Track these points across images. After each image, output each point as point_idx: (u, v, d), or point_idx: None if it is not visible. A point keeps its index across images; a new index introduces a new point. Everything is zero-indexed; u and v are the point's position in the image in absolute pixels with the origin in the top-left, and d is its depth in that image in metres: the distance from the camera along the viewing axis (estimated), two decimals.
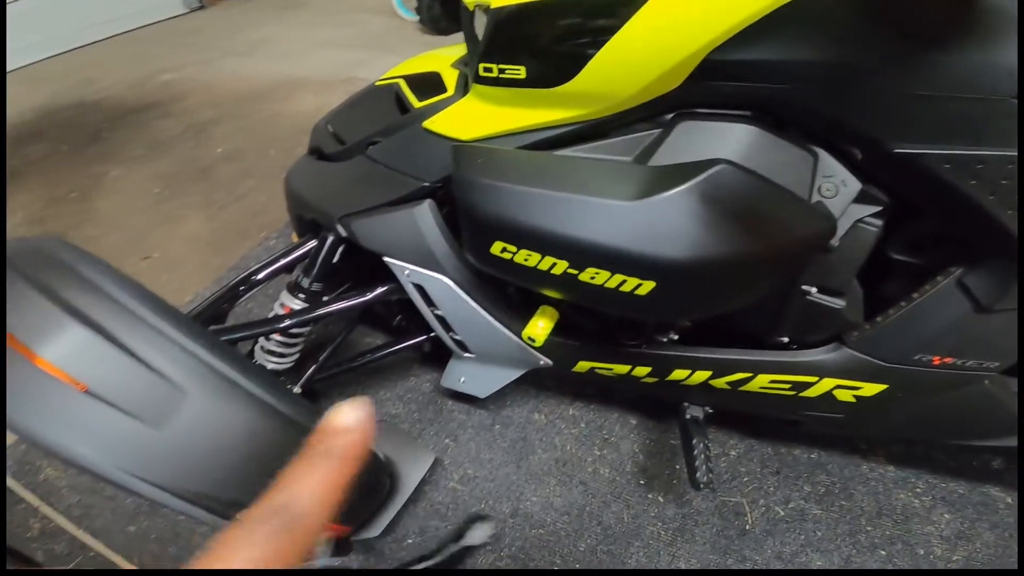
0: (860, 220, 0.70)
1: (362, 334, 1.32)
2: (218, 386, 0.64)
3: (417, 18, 3.06)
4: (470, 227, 0.73)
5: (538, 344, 0.83)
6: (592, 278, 0.66)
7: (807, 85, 0.61)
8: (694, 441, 0.92)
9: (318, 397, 1.22)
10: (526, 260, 0.69)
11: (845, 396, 0.83)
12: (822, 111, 0.63)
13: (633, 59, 0.61)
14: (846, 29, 0.57)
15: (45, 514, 1.09)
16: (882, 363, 0.79)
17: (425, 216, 0.85)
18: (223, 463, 0.62)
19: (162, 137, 2.23)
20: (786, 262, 0.67)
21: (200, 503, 0.61)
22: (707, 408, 0.97)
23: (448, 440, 1.16)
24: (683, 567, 0.97)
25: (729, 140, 0.65)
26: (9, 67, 3.03)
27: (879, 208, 0.69)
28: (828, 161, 0.68)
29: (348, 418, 0.27)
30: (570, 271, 0.67)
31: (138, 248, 1.66)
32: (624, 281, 0.65)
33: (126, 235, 1.73)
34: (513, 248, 0.69)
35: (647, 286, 0.64)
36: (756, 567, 0.96)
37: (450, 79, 0.94)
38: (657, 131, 0.70)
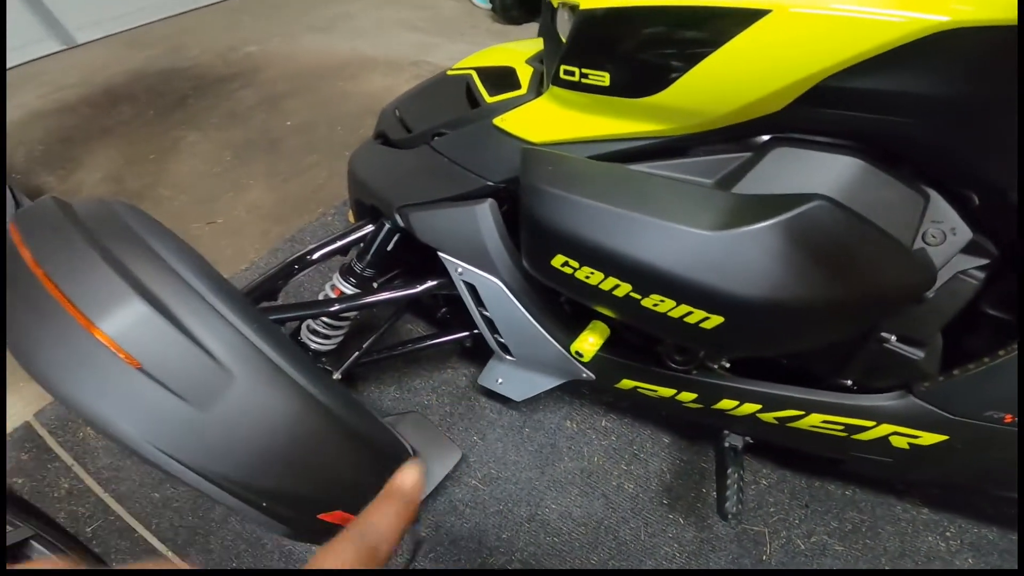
0: (962, 272, 0.61)
1: (405, 321, 1.28)
2: (265, 372, 0.60)
3: (490, 6, 2.97)
4: (532, 236, 0.67)
5: (585, 360, 0.77)
6: (655, 305, 0.60)
7: (933, 119, 0.52)
8: (729, 471, 0.86)
9: (356, 380, 1.19)
10: (587, 278, 0.62)
11: (900, 443, 0.76)
12: (946, 148, 0.54)
13: (735, 77, 0.53)
14: (984, 64, 0.49)
15: (76, 474, 1.08)
16: (949, 416, 0.71)
17: (485, 216, 0.79)
18: (260, 450, 0.58)
19: (239, 107, 2.22)
20: (873, 312, 0.59)
21: (231, 489, 0.57)
22: (747, 438, 0.91)
23: (476, 437, 1.12)
24: None
25: (829, 172, 0.57)
26: (114, 29, 3.07)
27: (986, 261, 0.60)
28: (939, 205, 0.59)
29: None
30: (633, 295, 0.60)
31: (204, 212, 1.65)
32: (690, 313, 0.58)
33: (194, 199, 1.72)
34: (575, 264, 0.62)
35: (714, 320, 0.57)
36: None
37: (524, 76, 0.88)
38: (745, 154, 0.62)
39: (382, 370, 1.20)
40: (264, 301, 0.92)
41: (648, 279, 0.58)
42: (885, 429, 0.75)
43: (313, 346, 0.98)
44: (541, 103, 0.77)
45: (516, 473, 1.07)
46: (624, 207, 0.58)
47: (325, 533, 0.66)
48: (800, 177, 0.58)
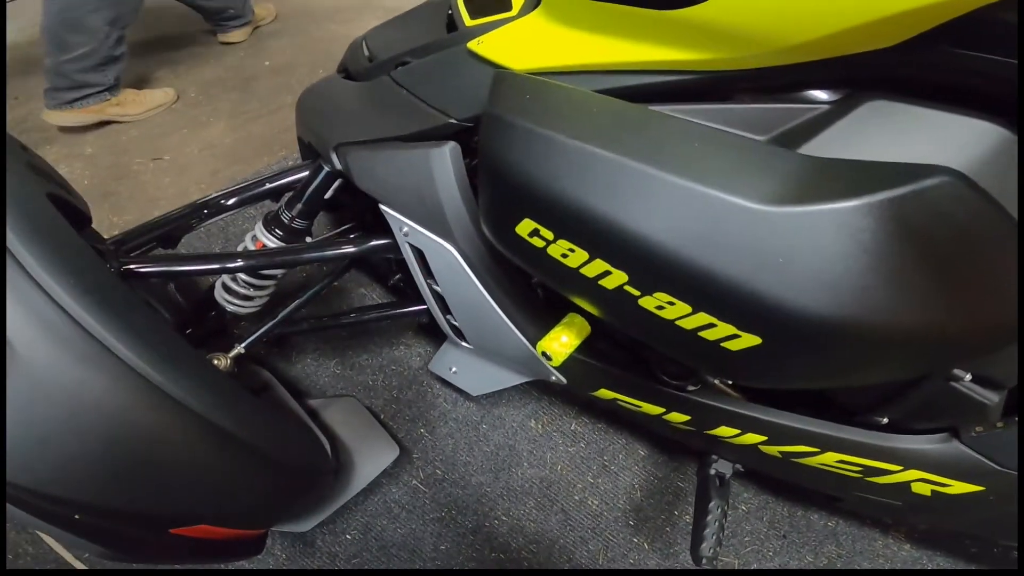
0: None
1: (358, 284, 1.05)
2: (75, 349, 0.39)
3: None
4: (491, 189, 0.44)
5: (554, 363, 0.55)
6: (659, 308, 0.38)
7: None
8: (711, 504, 0.66)
9: (290, 350, 0.97)
10: (564, 257, 0.40)
11: (922, 489, 0.58)
12: None
13: None
14: None
15: None
16: (997, 467, 0.54)
17: (442, 162, 0.56)
18: (65, 449, 0.41)
19: (219, 45, 1.95)
20: (986, 343, 0.38)
21: (17, 498, 0.41)
22: (738, 466, 0.71)
23: (423, 430, 0.91)
24: None
25: (952, 142, 0.34)
26: None
27: None
28: None
29: None
30: (628, 290, 0.38)
31: (152, 148, 1.41)
32: (711, 326, 0.36)
33: (144, 133, 1.47)
34: (548, 235, 0.40)
35: (746, 341, 0.36)
36: None
37: None
38: (818, 107, 0.40)
39: (324, 340, 0.98)
40: (158, 249, 0.69)
41: (656, 269, 0.36)
42: (912, 475, 0.57)
43: (229, 308, 0.75)
44: (531, 20, 0.54)
45: (465, 476, 0.87)
46: (631, 156, 0.36)
47: (182, 550, 0.54)
48: (906, 143, 0.36)
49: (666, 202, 0.34)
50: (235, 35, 1.91)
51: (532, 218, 0.40)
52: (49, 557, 0.77)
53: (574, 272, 0.41)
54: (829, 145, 0.37)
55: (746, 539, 0.85)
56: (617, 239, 0.36)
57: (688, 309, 0.36)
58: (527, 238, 0.42)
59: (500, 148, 0.41)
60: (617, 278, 0.38)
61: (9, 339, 0.38)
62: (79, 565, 0.76)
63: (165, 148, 1.40)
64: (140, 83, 1.75)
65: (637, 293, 0.38)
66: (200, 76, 1.75)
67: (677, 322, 0.38)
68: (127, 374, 0.42)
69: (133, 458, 0.44)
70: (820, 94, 0.41)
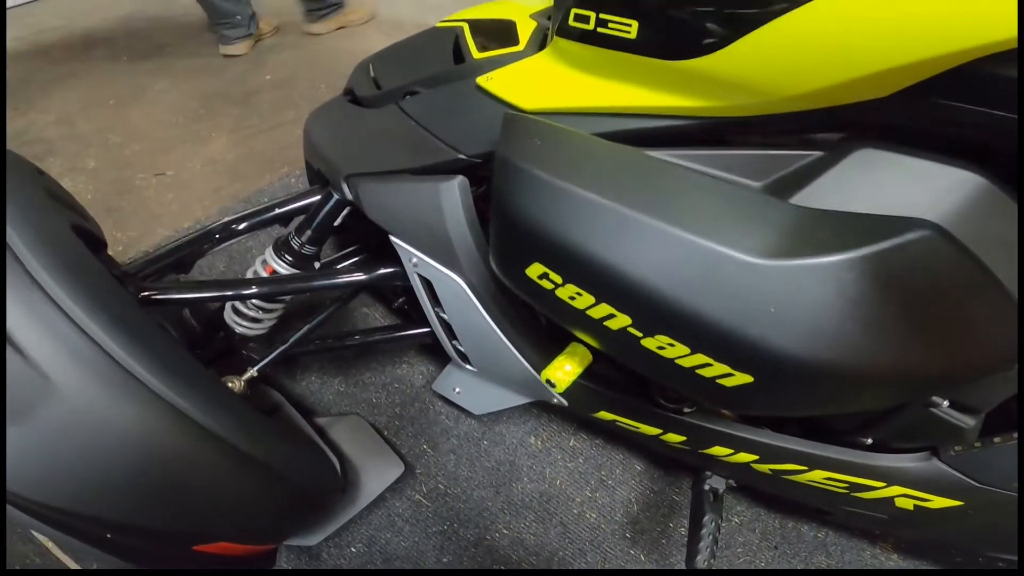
0: None
1: (361, 304, 1.07)
2: (102, 377, 0.41)
3: None
4: (504, 232, 0.46)
5: (558, 390, 0.58)
6: (660, 349, 0.40)
7: None
8: (705, 518, 0.68)
9: (296, 369, 0.98)
10: (572, 299, 0.42)
11: (904, 504, 0.61)
12: None
13: (831, 44, 0.33)
14: None
15: None
16: (975, 483, 0.56)
17: (451, 196, 0.58)
18: (95, 474, 0.43)
19: (220, 58, 1.95)
20: (959, 379, 0.41)
21: (55, 519, 0.43)
22: (731, 481, 0.73)
23: (426, 446, 0.92)
24: None
25: (935, 190, 0.37)
26: None
27: None
28: None
29: None
30: (632, 331, 0.40)
31: (154, 163, 1.41)
32: (707, 365, 0.38)
33: (147, 148, 1.47)
34: (557, 279, 0.42)
35: (739, 379, 0.38)
36: None
37: (525, 31, 0.66)
38: (812, 154, 0.42)
39: (329, 358, 0.99)
40: (171, 274, 0.70)
41: (657, 314, 0.38)
42: (895, 491, 0.59)
43: (239, 329, 0.76)
44: (539, 60, 0.56)
45: (467, 491, 0.89)
46: (636, 208, 0.38)
47: (202, 565, 0.55)
48: (891, 193, 0.38)
49: (666, 252, 0.37)
50: (238, 47, 1.93)
51: (542, 262, 0.43)
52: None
53: (581, 313, 0.43)
54: (820, 192, 0.40)
55: (739, 550, 0.86)
56: (621, 285, 0.39)
57: (686, 350, 0.39)
58: (537, 280, 0.44)
59: (512, 193, 0.43)
60: (621, 321, 0.41)
61: (44, 370, 0.40)
62: (73, 565, 0.77)
63: (167, 163, 1.40)
64: (139, 94, 1.74)
65: (640, 334, 0.40)
66: (201, 88, 1.75)
67: (677, 361, 0.40)
68: (153, 400, 0.44)
69: (160, 480, 0.45)
70: (813, 139, 0.43)
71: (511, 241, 0.45)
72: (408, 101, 0.70)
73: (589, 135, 0.47)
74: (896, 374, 0.36)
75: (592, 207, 0.39)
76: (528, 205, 0.42)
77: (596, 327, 0.43)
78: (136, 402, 0.43)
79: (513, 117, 0.50)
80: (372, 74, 0.81)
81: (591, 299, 0.41)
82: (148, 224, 1.24)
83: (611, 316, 0.41)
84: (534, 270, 0.43)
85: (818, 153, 0.42)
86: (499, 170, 0.45)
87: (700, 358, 0.38)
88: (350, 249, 0.87)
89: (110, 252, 0.73)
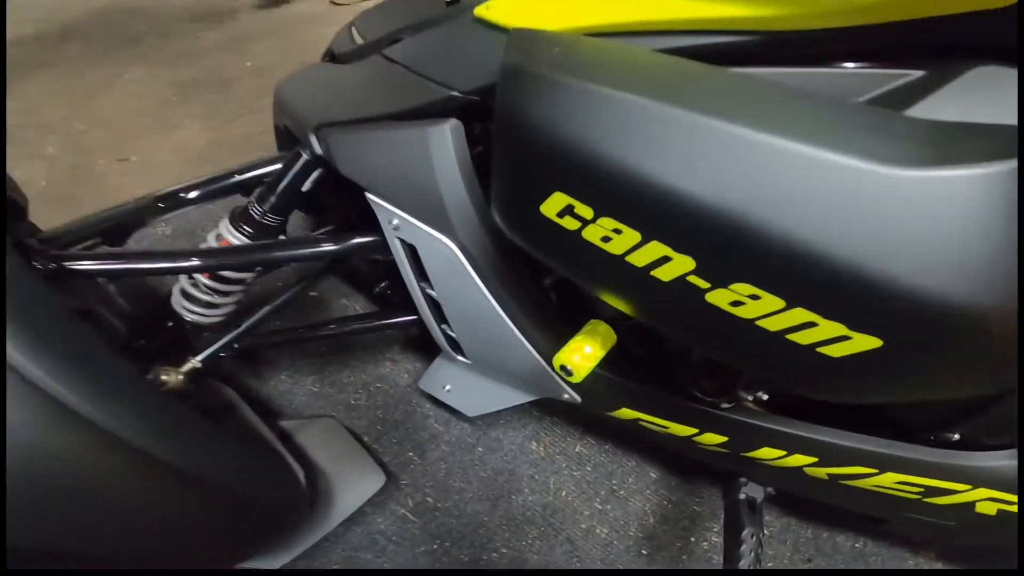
0: None
1: (337, 292, 0.94)
2: None
3: None
4: (511, 158, 0.34)
5: (575, 379, 0.45)
6: (736, 304, 0.28)
7: None
8: (744, 533, 0.56)
9: (260, 365, 0.84)
10: (606, 241, 0.30)
11: (987, 509, 0.50)
12: None
13: None
14: None
15: None
16: None
17: (443, 142, 0.46)
18: None
19: (197, 46, 1.86)
20: None
21: None
22: (770, 489, 0.62)
23: (413, 454, 0.79)
24: None
25: None
26: None
27: None
28: None
29: None
30: (694, 280, 0.29)
31: (119, 149, 1.28)
32: (810, 325, 0.27)
33: (113, 134, 1.34)
34: (587, 211, 0.30)
35: (859, 344, 0.26)
36: None
37: None
38: (916, 73, 0.32)
39: (301, 355, 0.86)
40: (103, 246, 0.57)
41: (736, 252, 0.26)
42: (980, 494, 0.49)
43: (189, 316, 0.63)
44: None
45: (460, 504, 0.76)
46: (702, 111, 0.26)
47: None
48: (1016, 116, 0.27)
49: (756, 165, 0.25)
50: None
51: (565, 191, 0.31)
52: None
53: (617, 260, 0.31)
54: (934, 112, 0.29)
55: (769, 564, 0.75)
56: (684, 214, 0.27)
57: (779, 304, 0.27)
58: (556, 219, 0.32)
59: (524, 104, 0.31)
60: (679, 266, 0.29)
61: None
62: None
63: (133, 149, 1.27)
64: (110, 82, 1.62)
65: (706, 285, 0.28)
66: (176, 76, 1.64)
67: (758, 322, 0.28)
68: (32, 395, 0.32)
69: (51, 494, 0.35)
70: (910, 59, 0.33)
71: (521, 168, 0.33)
72: (393, 48, 0.59)
73: (626, 45, 0.36)
74: None
75: (641, 110, 0.27)
76: (547, 116, 0.30)
77: (638, 280, 0.31)
78: (23, 402, 0.32)
79: (521, 31, 0.39)
80: (355, 33, 0.70)
81: (635, 237, 0.29)
82: None
83: (664, 260, 0.29)
84: (553, 204, 0.31)
85: (920, 72, 0.32)
86: (506, 81, 0.33)
87: (799, 315, 0.27)
88: (327, 229, 0.75)
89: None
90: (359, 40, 0.67)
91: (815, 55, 0.34)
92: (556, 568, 0.72)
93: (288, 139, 0.65)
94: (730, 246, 0.26)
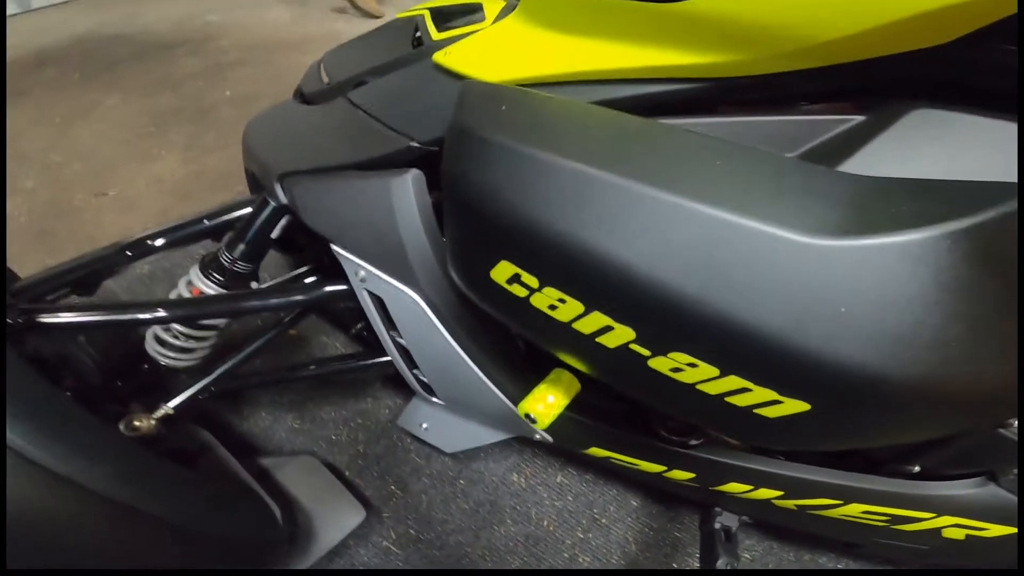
0: None
1: (317, 330, 0.94)
2: None
3: None
4: (461, 224, 0.35)
5: (540, 426, 0.45)
6: (675, 371, 0.29)
7: None
8: (720, 562, 0.57)
9: (242, 404, 0.84)
10: (552, 309, 0.31)
11: (954, 534, 0.51)
12: None
13: None
14: None
15: None
16: None
17: (404, 193, 0.47)
18: None
19: (176, 74, 1.85)
20: None
21: None
22: (744, 517, 0.62)
23: (395, 487, 0.79)
24: None
25: (1012, 152, 0.27)
26: None
27: None
28: None
29: None
30: (636, 348, 0.29)
31: (96, 183, 1.27)
32: (744, 391, 0.27)
33: (90, 167, 1.34)
34: (532, 281, 0.31)
35: (789, 408, 0.27)
36: None
37: (493, 10, 0.56)
38: (855, 119, 0.32)
39: (281, 392, 0.86)
40: (73, 295, 0.57)
41: (672, 324, 0.27)
42: (944, 521, 0.50)
43: (164, 361, 0.63)
44: (507, 25, 0.46)
45: (442, 536, 0.76)
46: (640, 179, 0.27)
47: None
48: (962, 159, 0.29)
49: (688, 237, 0.26)
50: None
51: (511, 260, 0.31)
52: None
53: (565, 327, 0.32)
54: (872, 162, 0.30)
55: None
56: (622, 286, 0.27)
57: (714, 372, 0.28)
58: (505, 286, 0.33)
59: (469, 169, 0.32)
60: (621, 335, 0.29)
61: None
62: None
63: (111, 183, 1.27)
64: (88, 111, 1.61)
65: (647, 353, 0.29)
66: (154, 105, 1.63)
67: (698, 387, 0.29)
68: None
69: (17, 546, 0.36)
70: (848, 102, 0.34)
71: (469, 235, 0.34)
72: (356, 92, 0.59)
73: (572, 100, 0.37)
74: (1003, 385, 0.26)
75: (579, 179, 0.28)
76: (490, 183, 0.31)
77: (585, 346, 0.31)
78: None
79: (471, 83, 0.40)
80: (322, 72, 0.70)
81: (578, 307, 0.30)
82: (84, 249, 1.08)
83: (606, 329, 0.30)
84: (501, 272, 0.32)
85: (859, 117, 0.33)
86: (453, 143, 0.34)
87: (733, 382, 0.27)
88: (300, 271, 0.75)
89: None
90: (326, 80, 0.68)
91: (756, 102, 0.35)
92: None
93: (257, 183, 0.65)
94: (664, 317, 0.27)
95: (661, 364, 0.29)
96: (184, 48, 2.08)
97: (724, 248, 0.25)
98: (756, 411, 0.28)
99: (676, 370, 0.29)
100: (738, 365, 0.27)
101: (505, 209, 0.30)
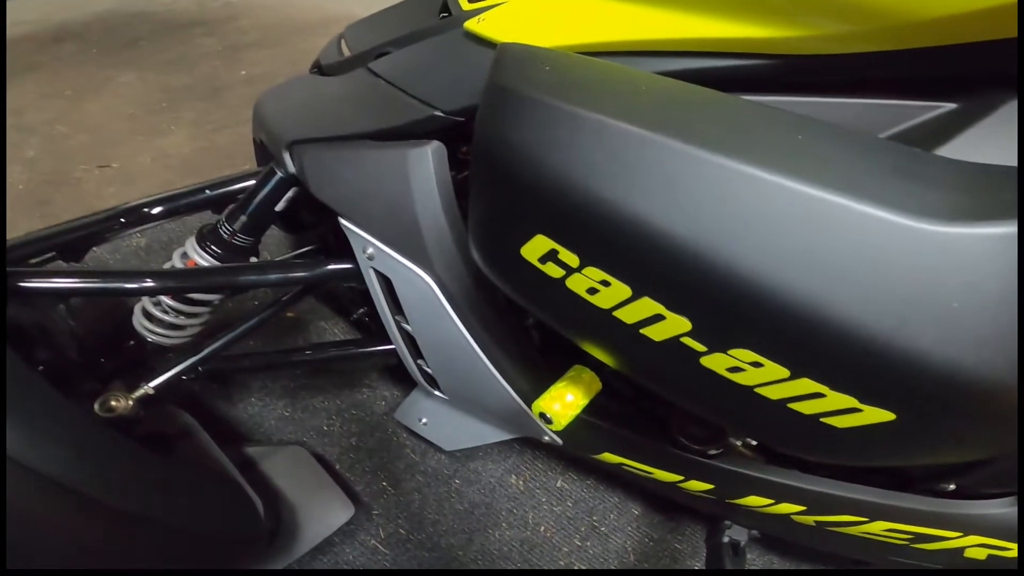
0: None
1: (316, 315, 0.89)
2: None
3: None
4: (490, 192, 0.30)
5: (555, 428, 0.41)
6: (733, 371, 0.24)
7: None
8: None
9: (232, 388, 0.79)
10: (592, 293, 0.26)
11: (976, 554, 0.47)
12: None
13: None
14: None
15: None
16: None
17: (423, 165, 0.42)
18: None
19: (193, 53, 1.81)
20: None
21: None
22: (754, 532, 0.58)
23: (386, 483, 0.74)
24: None
25: None
26: None
27: None
28: None
29: None
30: (689, 342, 0.25)
31: (101, 155, 1.22)
32: (817, 396, 0.23)
33: (95, 139, 1.28)
34: (572, 259, 0.26)
35: (870, 417, 0.23)
36: None
37: None
38: (946, 106, 0.28)
39: (273, 376, 0.80)
40: (59, 262, 0.52)
41: (738, 315, 0.23)
42: (970, 540, 0.46)
43: (151, 338, 0.58)
44: None
45: (434, 537, 0.71)
46: (710, 148, 0.23)
47: None
48: None
49: (767, 213, 0.21)
50: None
51: (549, 234, 0.27)
52: None
53: (604, 315, 0.27)
54: (964, 152, 0.26)
55: None
56: (681, 268, 0.23)
57: (784, 373, 0.23)
58: (537, 264, 0.28)
59: (507, 131, 0.27)
60: (673, 326, 0.25)
61: None
62: None
63: (115, 156, 1.21)
64: (101, 86, 1.56)
65: (702, 348, 0.25)
66: (168, 82, 1.58)
67: (758, 390, 0.24)
68: None
69: None
70: (937, 90, 0.29)
71: (502, 204, 0.29)
72: (378, 62, 0.55)
73: (624, 66, 0.32)
74: None
75: (639, 144, 0.24)
76: (531, 144, 0.26)
77: (626, 338, 0.27)
78: None
79: (511, 46, 0.35)
80: (343, 45, 0.66)
81: (625, 291, 0.25)
82: None
83: (656, 319, 0.25)
84: (535, 248, 0.27)
85: (950, 105, 0.28)
86: (489, 103, 0.30)
87: (804, 385, 0.23)
88: (302, 251, 0.70)
89: None
90: (346, 52, 0.63)
91: (834, 83, 0.31)
92: None
93: (265, 154, 0.60)
94: (732, 308, 0.22)
95: (717, 362, 0.25)
96: (203, 28, 2.04)
97: (812, 229, 0.21)
98: (824, 420, 0.24)
99: (735, 370, 0.24)
100: (816, 367, 0.22)
101: (548, 175, 0.26)
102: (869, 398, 0.22)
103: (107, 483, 0.37)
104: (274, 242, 0.93)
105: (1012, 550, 0.45)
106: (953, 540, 0.46)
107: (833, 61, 0.28)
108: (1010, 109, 0.26)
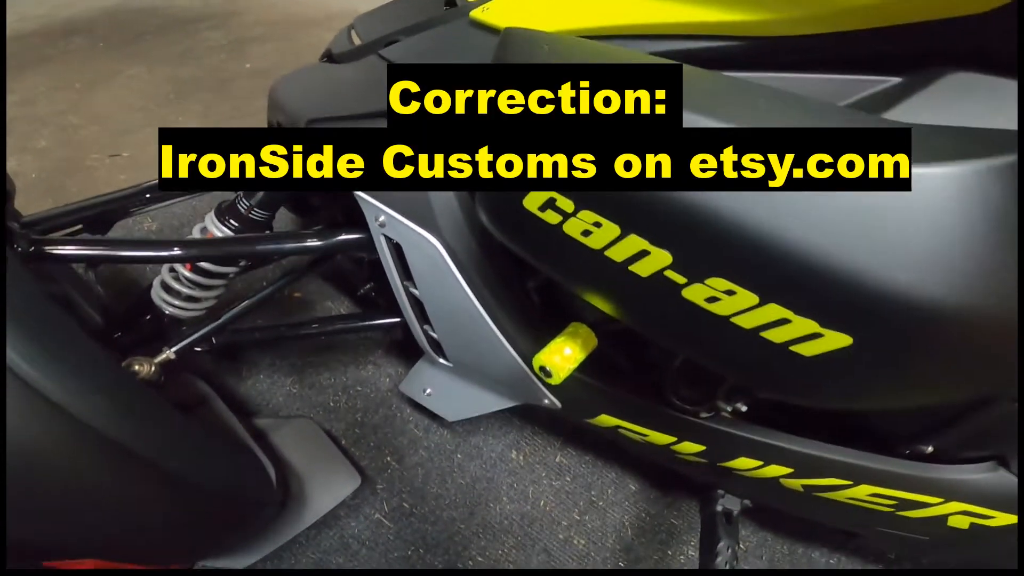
0: None
1: (322, 294, 0.92)
2: None
3: None
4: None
5: (555, 381, 0.44)
6: (711, 300, 0.28)
7: None
8: (720, 545, 0.56)
9: (241, 363, 0.82)
10: (586, 235, 0.30)
11: (959, 522, 0.50)
12: None
13: None
14: None
15: None
16: None
17: None
18: None
19: (200, 47, 1.87)
20: None
21: None
22: (746, 501, 0.61)
23: (391, 458, 0.77)
24: None
25: None
26: None
27: None
28: None
29: None
30: (671, 275, 0.28)
31: (111, 144, 1.27)
32: (783, 322, 0.27)
33: (106, 130, 1.34)
34: (567, 204, 0.30)
35: (831, 342, 0.26)
36: None
37: None
38: (892, 79, 0.33)
39: (281, 355, 0.84)
40: (85, 233, 0.56)
41: (711, 246, 0.26)
42: (952, 507, 0.49)
43: (168, 309, 0.62)
44: None
45: (436, 510, 0.74)
46: (692, 109, 0.27)
47: None
48: (993, 122, 0.29)
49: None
50: None
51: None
52: None
53: (597, 255, 0.31)
54: (909, 116, 0.30)
55: None
56: (660, 207, 0.27)
57: (754, 300, 0.27)
58: (537, 213, 0.32)
59: None
60: (656, 260, 0.28)
61: None
62: None
63: (126, 145, 1.26)
64: (109, 78, 1.61)
65: (683, 280, 0.28)
66: (175, 75, 1.64)
67: (733, 319, 0.28)
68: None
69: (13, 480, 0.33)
70: (885, 64, 0.34)
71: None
72: (389, 49, 0.59)
73: (615, 47, 0.36)
74: None
75: None
76: None
77: (618, 275, 0.31)
78: None
79: (514, 30, 0.39)
80: (353, 34, 0.70)
81: (614, 230, 0.29)
82: None
83: (642, 254, 0.29)
84: (535, 197, 0.31)
85: (896, 79, 0.33)
86: None
87: (773, 311, 0.26)
88: (316, 229, 0.74)
89: None
90: (357, 41, 0.67)
91: (798, 61, 0.36)
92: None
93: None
94: (706, 240, 0.26)
95: (696, 293, 0.28)
96: (209, 22, 2.11)
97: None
98: (792, 347, 0.27)
99: (712, 300, 0.28)
100: (781, 291, 0.26)
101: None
102: (828, 322, 0.26)
103: (138, 434, 0.39)
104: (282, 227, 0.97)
105: (994, 518, 0.47)
106: (935, 507, 0.49)
107: (795, 43, 0.33)
108: (947, 81, 0.31)
